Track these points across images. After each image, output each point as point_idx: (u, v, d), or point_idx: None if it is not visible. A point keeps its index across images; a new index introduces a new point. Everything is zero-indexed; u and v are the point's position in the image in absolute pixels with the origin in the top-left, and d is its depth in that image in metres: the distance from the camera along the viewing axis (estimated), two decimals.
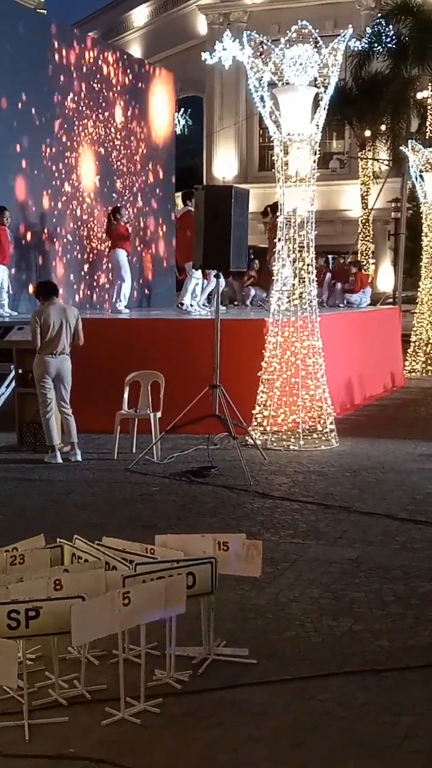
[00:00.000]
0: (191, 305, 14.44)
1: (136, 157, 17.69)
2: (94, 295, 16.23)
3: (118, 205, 15.91)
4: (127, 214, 15.45)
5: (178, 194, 16.06)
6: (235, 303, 19.00)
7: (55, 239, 15.20)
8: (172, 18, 40.00)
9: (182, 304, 14.38)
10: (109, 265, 15.68)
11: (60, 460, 9.62)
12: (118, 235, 14.76)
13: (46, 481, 8.89)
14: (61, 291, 14.87)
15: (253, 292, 19.26)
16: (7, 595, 4.10)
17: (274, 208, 14.29)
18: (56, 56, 15.17)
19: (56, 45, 15.20)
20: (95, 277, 16.29)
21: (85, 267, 16.06)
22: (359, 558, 6.37)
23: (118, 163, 17.08)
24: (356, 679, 4.48)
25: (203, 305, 14.90)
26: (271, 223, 14.58)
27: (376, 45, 29.43)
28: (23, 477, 9.03)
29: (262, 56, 10.40)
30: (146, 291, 17.80)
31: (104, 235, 15.51)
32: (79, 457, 9.71)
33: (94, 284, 16.26)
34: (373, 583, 5.85)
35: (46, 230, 14.98)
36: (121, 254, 14.81)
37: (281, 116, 10.47)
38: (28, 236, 14.56)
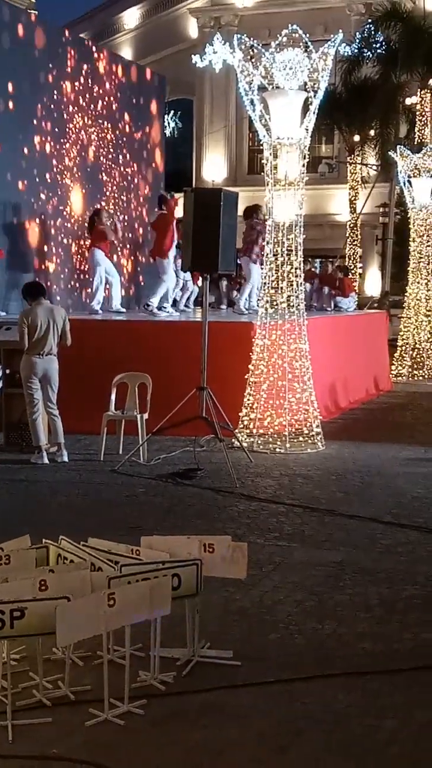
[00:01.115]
0: (161, 307, 14.28)
1: (126, 159, 17.67)
2: (85, 297, 16.19)
3: (98, 206, 15.89)
4: (108, 215, 15.41)
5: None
6: (222, 306, 19.02)
7: (45, 240, 15.18)
8: (163, 21, 40.00)
9: (148, 306, 14.14)
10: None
11: (46, 461, 9.60)
12: (96, 235, 14.74)
13: (32, 481, 8.87)
14: (53, 291, 14.99)
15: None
16: None
17: (248, 211, 14.34)
18: (47, 57, 15.15)
19: (47, 46, 15.18)
20: (86, 279, 16.24)
21: (77, 268, 16.03)
22: (344, 561, 6.38)
23: (108, 165, 17.06)
24: (340, 682, 4.49)
25: (185, 308, 14.88)
26: (247, 225, 14.58)
27: (365, 50, 29.50)
28: (9, 477, 9.01)
29: (253, 60, 10.42)
30: (132, 293, 17.75)
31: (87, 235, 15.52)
32: (65, 458, 9.70)
33: (86, 286, 16.22)
34: (358, 586, 5.87)
35: (36, 231, 14.95)
36: (97, 253, 14.74)
37: (271, 120, 10.50)
38: (19, 237, 14.53)
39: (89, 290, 15.13)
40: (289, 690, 4.39)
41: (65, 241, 15.74)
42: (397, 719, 4.12)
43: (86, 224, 15.42)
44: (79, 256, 16.08)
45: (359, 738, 3.97)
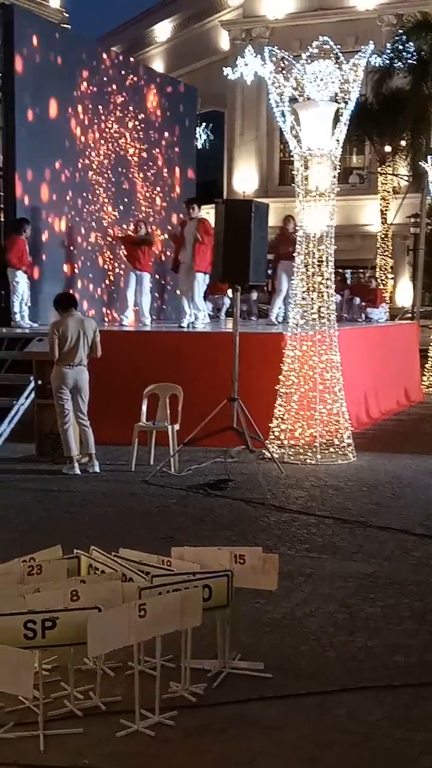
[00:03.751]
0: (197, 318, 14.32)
1: (157, 171, 17.77)
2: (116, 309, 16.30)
3: (137, 220, 16.01)
4: (144, 227, 15.52)
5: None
6: (252, 317, 19.05)
7: (77, 252, 15.29)
8: (195, 33, 40.20)
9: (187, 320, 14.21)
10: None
11: (78, 472, 9.65)
12: (134, 250, 14.89)
13: (64, 492, 8.92)
14: (87, 304, 15.10)
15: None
16: (24, 606, 4.11)
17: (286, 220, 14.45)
18: (78, 71, 15.28)
19: (78, 60, 15.32)
20: (116, 291, 16.35)
21: (108, 279, 16.13)
22: (375, 573, 6.35)
23: (140, 176, 17.16)
24: (372, 694, 4.47)
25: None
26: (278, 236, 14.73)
27: (396, 61, 29.46)
28: (42, 488, 9.06)
29: (284, 72, 10.45)
30: (161, 303, 17.80)
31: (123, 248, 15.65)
32: (96, 468, 9.74)
33: (115, 296, 16.33)
34: (389, 598, 5.84)
35: (68, 243, 15.07)
36: (138, 269, 14.94)
37: (302, 131, 10.51)
38: (51, 249, 14.66)
39: (120, 304, 15.27)
40: (320, 702, 4.38)
41: (98, 253, 15.85)
42: (428, 732, 4.09)
43: (126, 239, 15.52)
44: (113, 269, 16.17)
45: (390, 751, 3.94)
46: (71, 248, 15.15)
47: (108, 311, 16.09)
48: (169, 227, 16.75)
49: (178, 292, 15.46)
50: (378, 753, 3.92)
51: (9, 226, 13.94)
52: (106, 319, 15.88)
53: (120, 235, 15.94)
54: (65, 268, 15.06)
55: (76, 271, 15.28)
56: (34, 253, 14.09)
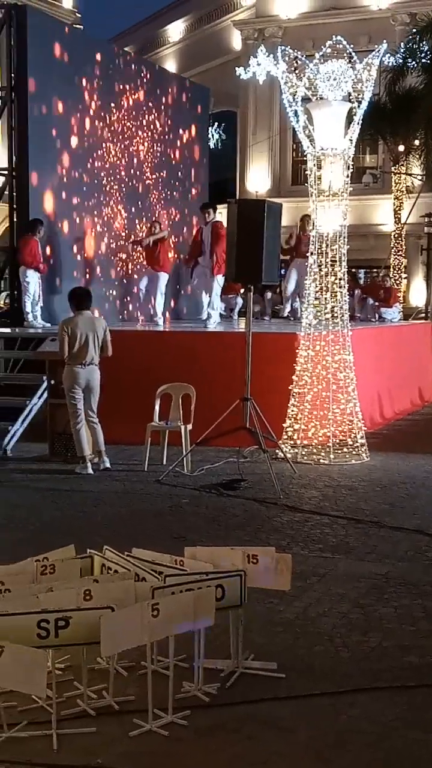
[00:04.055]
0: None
1: (169, 171, 17.78)
2: (129, 307, 16.33)
3: (153, 220, 16.04)
4: (158, 225, 15.56)
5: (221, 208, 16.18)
6: (266, 317, 19.01)
7: (90, 253, 15.31)
8: (208, 33, 40.15)
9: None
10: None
11: (91, 471, 9.66)
12: (153, 250, 14.97)
13: (77, 491, 8.93)
14: (104, 303, 15.14)
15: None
16: (38, 605, 4.12)
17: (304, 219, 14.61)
18: (91, 71, 15.30)
19: (91, 60, 15.33)
20: (130, 290, 16.38)
21: (122, 279, 16.16)
22: (389, 573, 6.34)
23: (153, 177, 17.18)
24: (385, 695, 4.45)
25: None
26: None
27: (410, 60, 29.33)
28: (54, 488, 9.07)
29: (297, 71, 10.43)
30: (172, 303, 17.82)
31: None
32: (107, 464, 9.77)
33: (128, 296, 16.35)
34: (403, 598, 5.82)
35: (81, 244, 15.09)
36: (159, 270, 15.06)
37: (315, 131, 10.49)
38: (64, 249, 14.68)
39: (152, 304, 15.37)
40: (334, 703, 4.37)
41: (111, 254, 15.87)
42: None
43: (142, 240, 15.57)
44: (126, 270, 16.20)
45: (404, 751, 3.93)
46: (84, 249, 15.17)
47: (122, 311, 16.10)
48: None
49: (190, 289, 15.54)
50: (391, 754, 3.91)
51: (22, 226, 13.96)
52: (122, 318, 15.90)
53: (137, 238, 15.95)
54: (78, 268, 15.07)
55: (89, 271, 15.30)
56: (47, 253, 14.11)
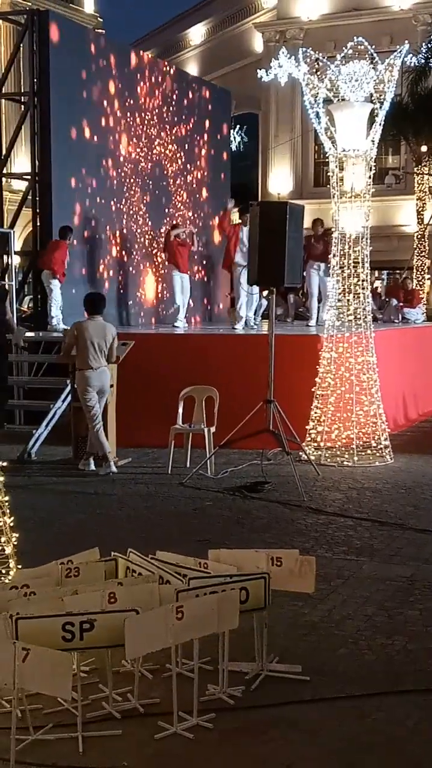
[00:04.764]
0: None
1: (192, 173, 17.81)
2: (154, 310, 16.36)
3: (174, 223, 16.06)
4: (182, 228, 15.57)
5: (235, 210, 16.17)
6: (288, 319, 18.98)
7: (115, 255, 15.35)
8: (229, 36, 40.16)
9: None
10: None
11: (114, 469, 9.74)
12: (172, 252, 14.95)
13: (101, 494, 8.96)
14: (117, 308, 15.18)
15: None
16: (63, 608, 4.14)
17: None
18: (112, 75, 15.34)
19: (113, 64, 15.39)
20: (153, 293, 16.42)
21: (144, 283, 16.20)
22: (414, 576, 6.31)
23: (175, 180, 17.21)
24: (411, 698, 4.44)
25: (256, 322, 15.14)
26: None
27: None
28: (78, 490, 9.11)
29: (318, 73, 10.42)
30: (193, 305, 17.83)
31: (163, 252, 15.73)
32: (93, 467, 9.93)
33: (152, 299, 16.39)
34: (428, 601, 5.79)
35: (105, 247, 15.13)
36: (174, 270, 15.06)
37: (336, 132, 10.48)
38: (87, 255, 14.73)
39: (174, 307, 15.43)
40: (359, 706, 4.35)
41: (134, 258, 15.90)
42: None
43: (162, 242, 15.61)
44: (147, 272, 16.23)
45: (429, 755, 3.91)
46: (109, 253, 15.21)
47: (141, 314, 16.14)
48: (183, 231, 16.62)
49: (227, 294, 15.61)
50: (417, 757, 3.89)
51: (45, 231, 14.00)
52: (145, 321, 15.93)
53: (163, 240, 15.98)
54: (102, 273, 15.11)
55: (112, 275, 15.32)
56: (71, 259, 14.15)
